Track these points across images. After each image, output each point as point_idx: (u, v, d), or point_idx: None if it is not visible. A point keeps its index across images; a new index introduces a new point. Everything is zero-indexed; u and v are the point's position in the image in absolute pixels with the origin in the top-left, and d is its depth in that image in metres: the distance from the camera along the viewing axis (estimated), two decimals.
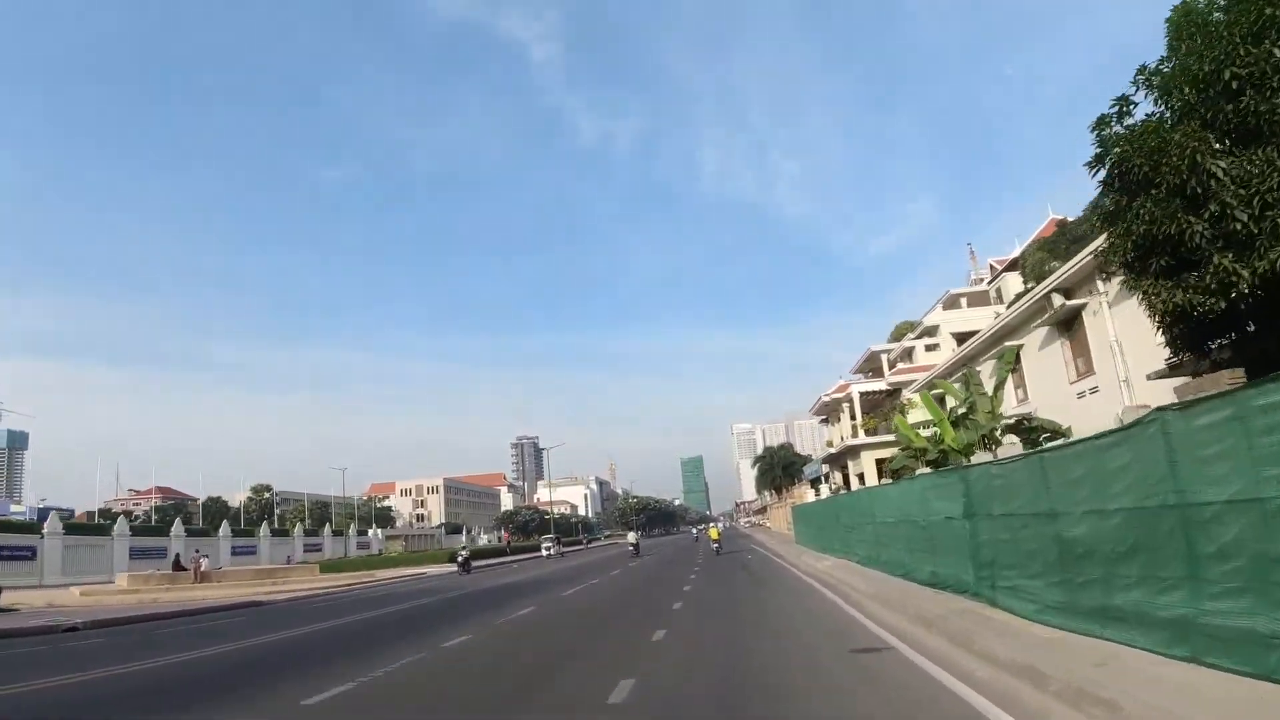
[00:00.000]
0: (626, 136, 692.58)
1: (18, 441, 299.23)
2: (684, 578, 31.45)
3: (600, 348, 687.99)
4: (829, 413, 72.34)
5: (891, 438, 56.58)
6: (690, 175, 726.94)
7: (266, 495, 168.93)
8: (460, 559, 56.73)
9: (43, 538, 51.13)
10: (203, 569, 42.27)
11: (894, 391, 61.56)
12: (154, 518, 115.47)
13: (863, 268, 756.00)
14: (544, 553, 76.44)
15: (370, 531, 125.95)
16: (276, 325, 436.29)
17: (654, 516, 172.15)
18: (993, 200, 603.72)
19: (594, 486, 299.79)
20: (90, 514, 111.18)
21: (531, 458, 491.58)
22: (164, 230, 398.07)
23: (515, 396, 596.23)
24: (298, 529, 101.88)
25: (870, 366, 68.65)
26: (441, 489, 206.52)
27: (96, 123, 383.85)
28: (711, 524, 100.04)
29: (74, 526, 62.86)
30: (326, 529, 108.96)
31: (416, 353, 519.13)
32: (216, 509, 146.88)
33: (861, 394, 62.51)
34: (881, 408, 62.34)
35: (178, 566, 45.41)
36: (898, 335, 68.68)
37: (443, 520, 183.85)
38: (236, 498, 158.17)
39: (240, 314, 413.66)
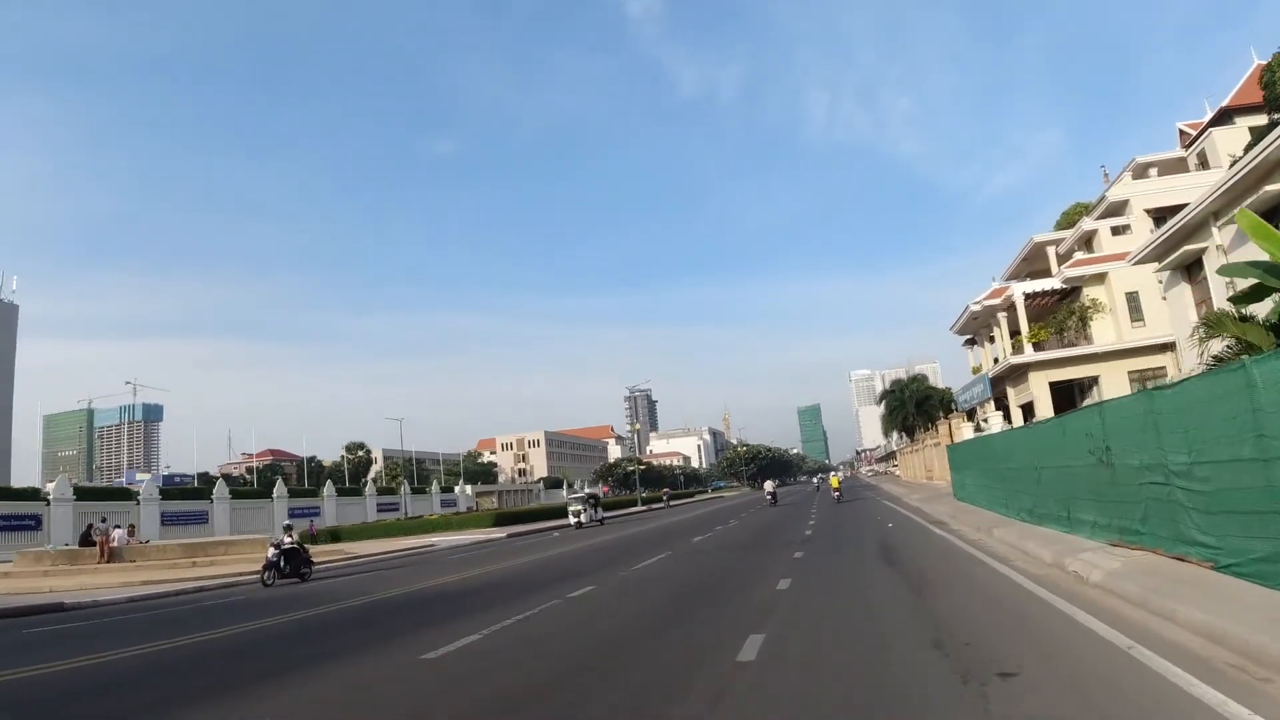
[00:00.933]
0: (730, 86, 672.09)
1: (153, 414, 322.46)
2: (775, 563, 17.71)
3: (713, 301, 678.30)
4: (978, 328, 56.86)
5: (1074, 351, 41.83)
6: (798, 121, 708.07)
7: (360, 454, 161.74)
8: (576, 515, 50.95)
9: (49, 504, 48.35)
10: (113, 543, 31.07)
11: (1068, 292, 46.30)
12: (255, 481, 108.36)
13: (984, 205, 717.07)
14: (571, 520, 51.55)
15: (458, 488, 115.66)
16: (400, 296, 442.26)
17: (767, 466, 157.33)
18: (1120, 128, 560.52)
19: (707, 438, 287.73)
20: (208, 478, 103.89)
21: (645, 410, 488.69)
22: (287, 215, 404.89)
23: (630, 353, 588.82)
24: (369, 488, 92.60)
25: (1032, 266, 52.81)
26: (543, 442, 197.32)
27: (213, 119, 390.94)
28: (832, 473, 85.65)
29: (174, 492, 66.52)
30: (405, 487, 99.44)
31: (533, 315, 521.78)
32: (313, 469, 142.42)
33: (1027, 296, 46.98)
34: (1053, 314, 46.84)
35: (85, 540, 34.17)
36: (1068, 222, 52.49)
37: (545, 474, 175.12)
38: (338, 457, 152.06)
39: (362, 286, 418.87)
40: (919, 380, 77.12)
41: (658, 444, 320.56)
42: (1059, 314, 46.35)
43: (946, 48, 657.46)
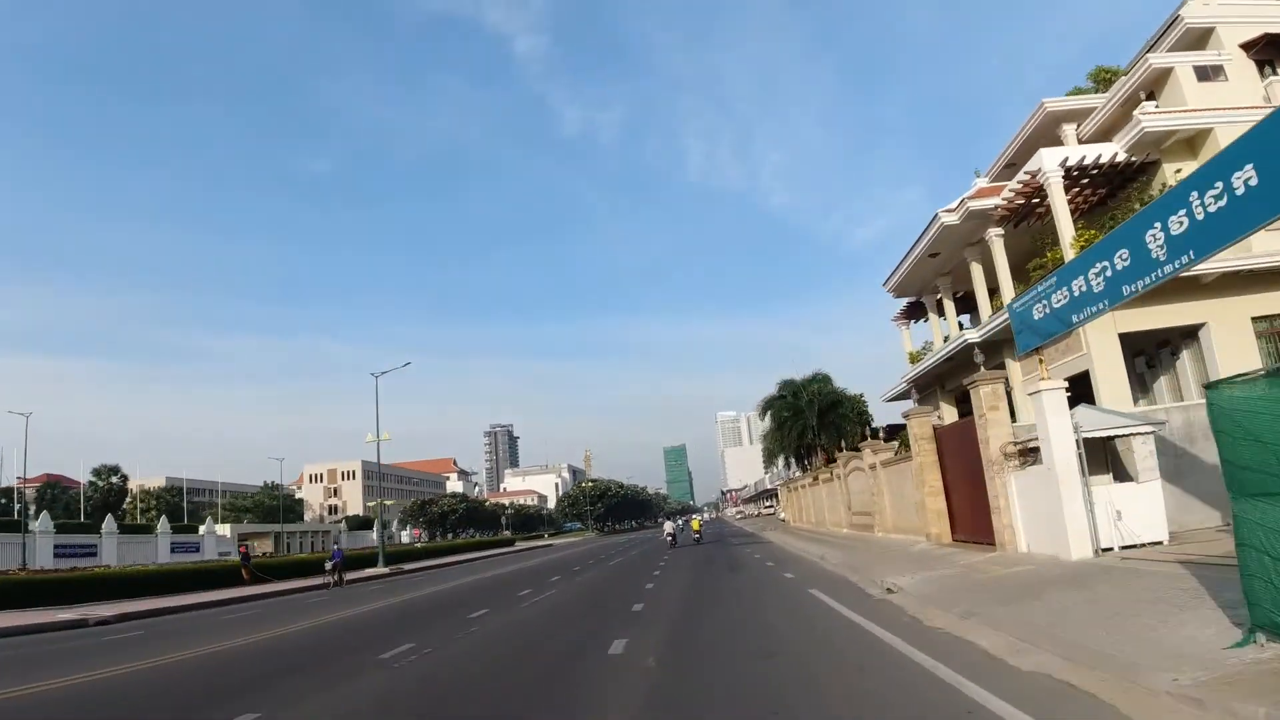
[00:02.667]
0: (610, 126, 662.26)
1: None
2: None
3: (581, 338, 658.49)
4: (933, 276, 34.23)
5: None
6: (675, 164, 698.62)
7: (114, 480, 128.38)
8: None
9: None
10: None
11: (1131, 174, 24.31)
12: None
13: (848, 255, 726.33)
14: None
15: (204, 527, 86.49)
16: (259, 316, 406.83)
17: (619, 505, 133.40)
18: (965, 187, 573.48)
19: (566, 475, 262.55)
20: None
21: (506, 445, 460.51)
22: (148, 226, 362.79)
23: (494, 386, 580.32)
24: (39, 522, 64.01)
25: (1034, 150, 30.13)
26: (359, 474, 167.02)
27: (79, 122, 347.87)
28: (694, 515, 68.99)
29: None
30: (108, 522, 70.63)
31: (397, 342, 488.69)
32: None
33: (1071, 173, 24.34)
34: (1107, 213, 24.64)
35: None
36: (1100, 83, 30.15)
37: (361, 511, 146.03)
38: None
39: (220, 303, 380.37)
40: (821, 381, 54.00)
41: (513, 481, 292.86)
42: (1116, 209, 24.21)
43: (819, 103, 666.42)
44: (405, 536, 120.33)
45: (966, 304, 35.23)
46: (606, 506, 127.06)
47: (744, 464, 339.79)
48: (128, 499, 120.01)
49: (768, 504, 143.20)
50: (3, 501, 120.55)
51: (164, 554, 69.54)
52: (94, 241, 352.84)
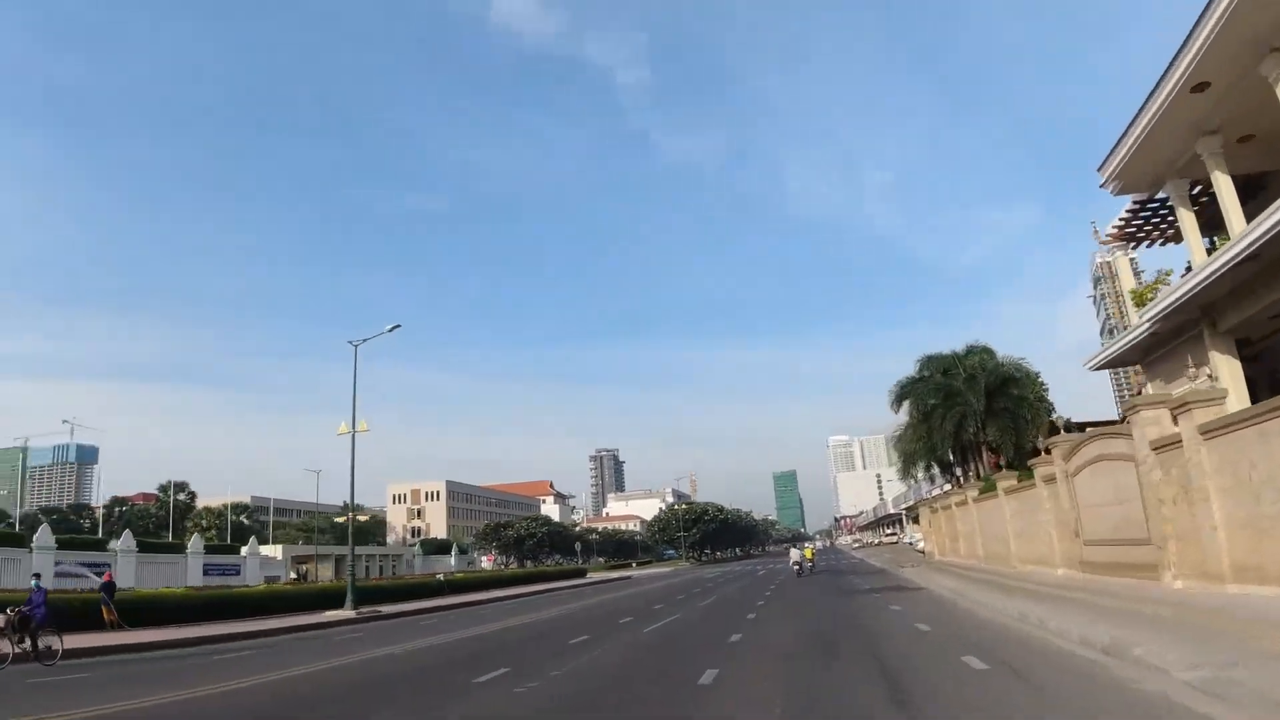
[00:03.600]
0: (711, 154, 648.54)
1: (88, 455, 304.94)
2: None
3: (689, 365, 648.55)
4: (1227, 94, 18.84)
5: None
6: (775, 189, 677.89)
7: (181, 496, 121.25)
8: None
9: None
10: None
11: None
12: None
13: (957, 276, 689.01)
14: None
15: (246, 549, 75.35)
16: (372, 349, 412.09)
17: (718, 531, 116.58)
18: (1090, 200, 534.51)
19: (670, 500, 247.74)
20: None
21: (611, 470, 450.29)
22: (244, 261, 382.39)
23: (600, 415, 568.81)
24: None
25: None
26: (443, 494, 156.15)
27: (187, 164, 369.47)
28: (806, 544, 63.16)
29: None
30: (123, 539, 60.08)
31: (498, 372, 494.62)
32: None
33: None
34: None
35: None
36: None
37: (445, 534, 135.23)
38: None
39: (331, 335, 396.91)
40: (982, 353, 38.16)
41: (615, 505, 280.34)
42: None
43: (924, 122, 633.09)
44: (484, 561, 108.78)
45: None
46: (703, 532, 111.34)
47: (857, 490, 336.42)
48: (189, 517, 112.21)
49: (889, 531, 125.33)
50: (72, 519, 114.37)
51: (195, 576, 59.68)
52: (224, 281, 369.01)
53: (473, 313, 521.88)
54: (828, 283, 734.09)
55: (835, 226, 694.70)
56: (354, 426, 32.76)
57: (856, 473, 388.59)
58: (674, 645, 15.15)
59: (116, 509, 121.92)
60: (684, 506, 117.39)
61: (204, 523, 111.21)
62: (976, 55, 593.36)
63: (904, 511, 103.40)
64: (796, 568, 43.07)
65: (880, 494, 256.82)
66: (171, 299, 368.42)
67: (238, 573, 68.94)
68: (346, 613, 30.68)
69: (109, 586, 26.21)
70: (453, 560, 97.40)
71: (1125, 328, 27.20)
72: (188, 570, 61.70)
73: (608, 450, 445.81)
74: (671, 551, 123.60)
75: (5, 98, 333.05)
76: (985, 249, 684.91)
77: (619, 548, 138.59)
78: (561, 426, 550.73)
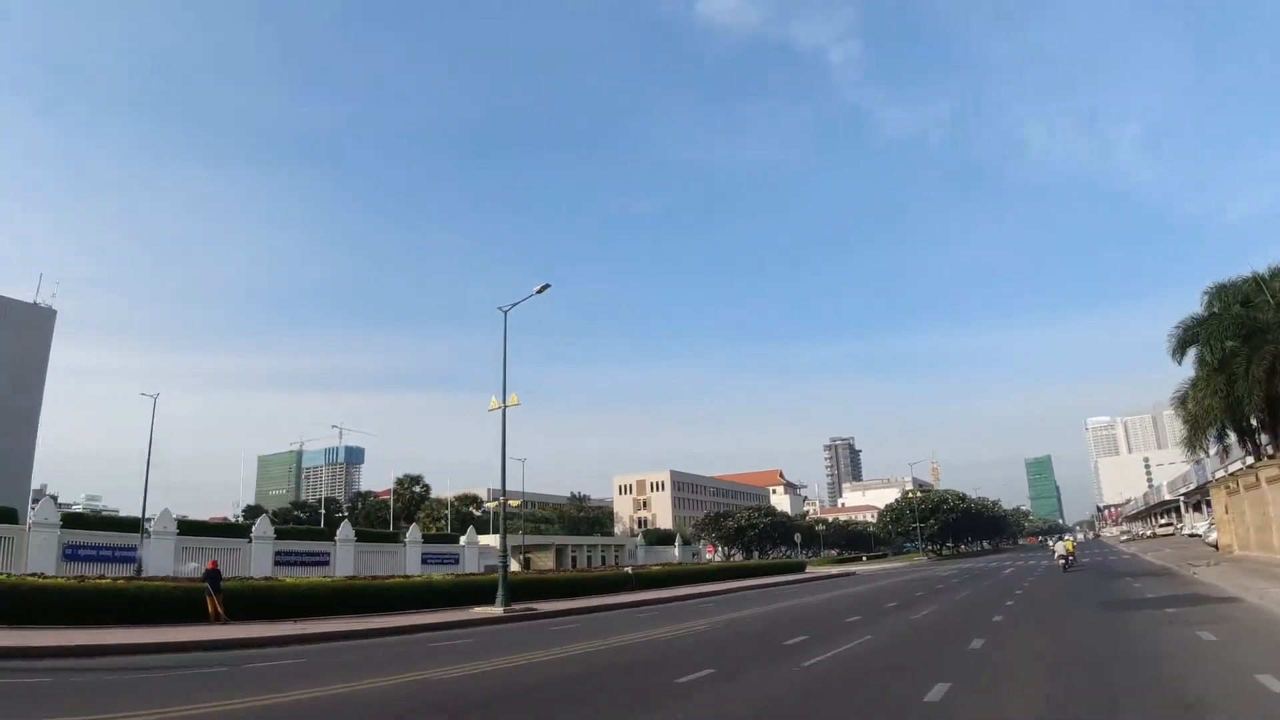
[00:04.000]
0: (936, 123, 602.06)
1: (355, 457, 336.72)
2: None
3: (924, 351, 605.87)
4: None
5: None
6: (1010, 155, 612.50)
7: (417, 489, 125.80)
8: None
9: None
10: None
11: None
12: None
13: (1223, 235, 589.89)
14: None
15: (464, 538, 75.24)
16: (603, 349, 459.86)
17: (959, 522, 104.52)
18: None
19: (910, 489, 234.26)
20: None
21: (847, 460, 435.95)
22: (480, 276, 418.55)
23: (836, 405, 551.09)
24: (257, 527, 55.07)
25: None
26: (668, 485, 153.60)
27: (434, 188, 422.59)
28: (1065, 536, 67.04)
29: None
30: (342, 529, 60.65)
31: (730, 366, 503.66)
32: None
33: None
34: None
35: None
36: None
37: (671, 524, 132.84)
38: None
39: (569, 340, 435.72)
40: None
41: (851, 496, 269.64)
42: None
43: (1172, 66, 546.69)
44: (710, 555, 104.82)
45: None
46: (941, 523, 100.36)
47: (1121, 476, 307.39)
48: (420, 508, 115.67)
49: (1164, 521, 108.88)
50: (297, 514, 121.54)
51: (413, 565, 59.48)
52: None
53: (702, 312, 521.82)
54: (1075, 251, 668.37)
55: (1080, 188, 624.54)
56: (504, 399, 28.65)
57: (1120, 457, 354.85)
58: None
59: (359, 502, 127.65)
60: (917, 494, 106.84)
61: (434, 513, 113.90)
62: None
63: (1182, 497, 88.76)
64: (1063, 561, 41.34)
65: (1149, 479, 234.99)
66: (438, 319, 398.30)
67: (456, 561, 68.51)
68: (494, 610, 26.61)
69: (213, 575, 23.34)
70: (676, 551, 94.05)
71: None
72: (406, 559, 61.69)
73: (842, 439, 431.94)
74: (912, 545, 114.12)
75: (287, 144, 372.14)
76: (1255, 205, 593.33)
77: (851, 540, 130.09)
78: (792, 417, 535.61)
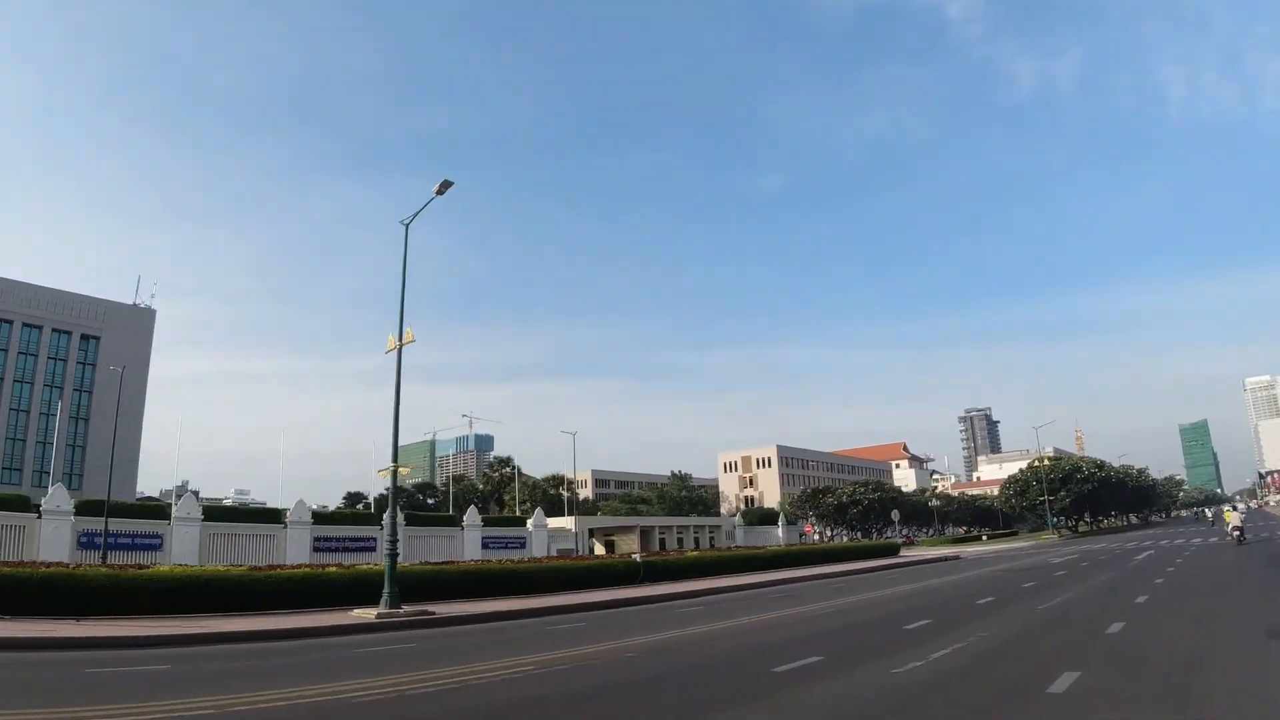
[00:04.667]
0: (1068, 76, 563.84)
1: (485, 444, 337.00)
2: None
3: (1064, 317, 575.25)
4: None
5: None
6: (1153, 102, 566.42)
7: (506, 470, 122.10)
8: None
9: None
10: None
11: None
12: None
13: None
14: None
15: (532, 521, 68.92)
16: (731, 330, 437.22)
17: (1095, 493, 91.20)
18: None
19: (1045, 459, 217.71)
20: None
21: (985, 432, 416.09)
22: (627, 262, 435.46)
23: (972, 376, 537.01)
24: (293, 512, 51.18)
25: None
26: (775, 461, 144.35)
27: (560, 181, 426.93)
28: (1226, 507, 62.80)
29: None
30: (396, 517, 54.83)
31: (862, 341, 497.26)
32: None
33: None
34: None
35: None
36: None
37: (778, 502, 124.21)
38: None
39: (699, 324, 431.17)
40: None
41: (987, 469, 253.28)
42: None
43: None
44: (816, 534, 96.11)
45: None
46: (1074, 495, 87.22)
47: None
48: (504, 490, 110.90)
49: None
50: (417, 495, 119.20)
51: (473, 549, 54.74)
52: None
53: (820, 290, 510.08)
54: (1226, 198, 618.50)
55: (1229, 135, 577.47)
56: (400, 337, 21.19)
57: None
58: None
59: (453, 486, 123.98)
60: (1045, 462, 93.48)
61: (525, 496, 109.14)
62: None
63: None
64: (1238, 533, 40.20)
65: None
66: (554, 309, 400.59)
67: (522, 546, 62.71)
68: (369, 615, 19.02)
69: None
70: (780, 531, 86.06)
71: None
72: (464, 544, 56.52)
73: (979, 410, 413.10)
74: (1047, 521, 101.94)
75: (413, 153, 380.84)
76: None
77: (978, 517, 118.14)
78: (926, 390, 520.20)
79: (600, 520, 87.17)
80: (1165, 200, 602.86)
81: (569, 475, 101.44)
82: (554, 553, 57.80)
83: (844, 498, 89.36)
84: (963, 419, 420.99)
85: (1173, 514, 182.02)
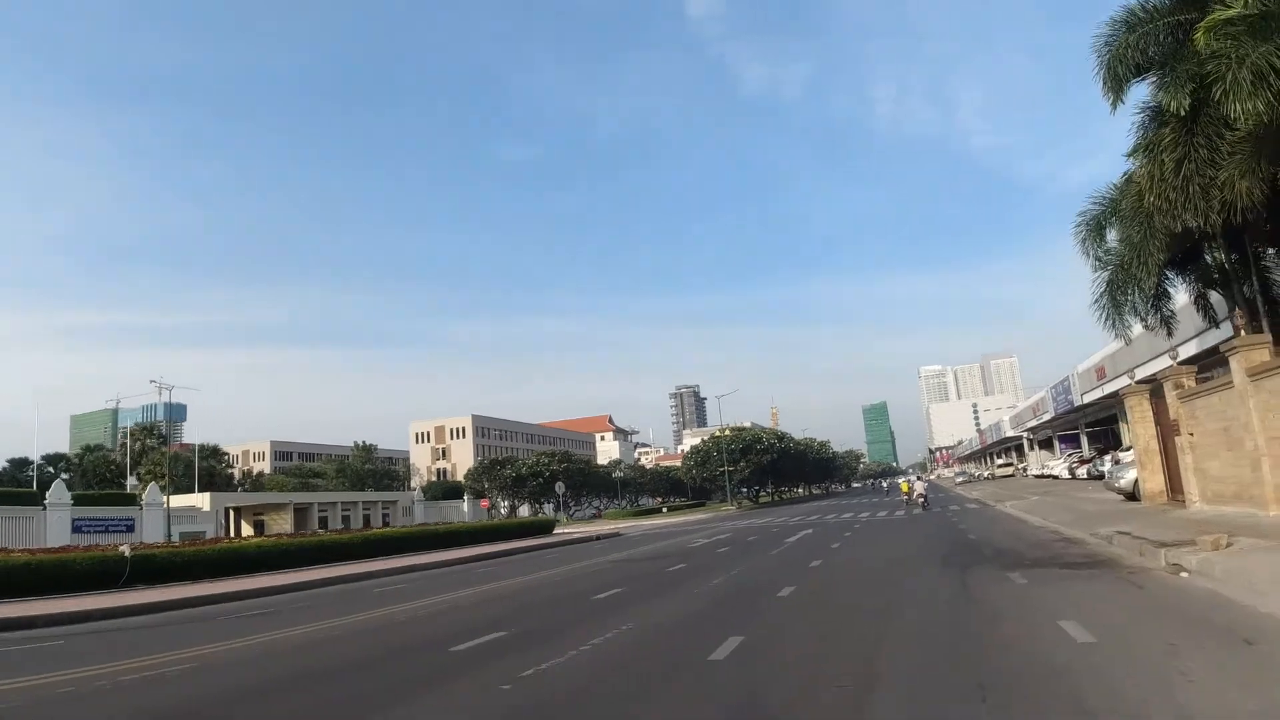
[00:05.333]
0: (795, 82, 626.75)
1: (177, 414, 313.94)
2: None
3: (778, 302, 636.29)
4: None
5: None
6: (866, 116, 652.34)
7: (150, 440, 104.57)
8: None
9: None
10: None
11: None
12: None
13: (1057, 199, 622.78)
14: None
15: (146, 497, 56.07)
16: (475, 300, 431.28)
17: (775, 464, 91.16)
18: None
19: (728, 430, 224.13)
20: None
21: (692, 408, 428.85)
22: (358, 220, 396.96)
23: (686, 356, 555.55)
24: None
25: None
26: (469, 431, 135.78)
27: (295, 127, 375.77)
28: (902, 478, 68.21)
29: None
30: None
31: (601, 318, 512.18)
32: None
33: None
34: None
35: None
36: None
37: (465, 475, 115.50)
38: None
39: (444, 291, 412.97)
40: None
41: (691, 441, 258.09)
42: None
43: (1022, 34, 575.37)
44: (507, 509, 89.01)
45: None
46: (753, 466, 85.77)
47: (952, 421, 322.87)
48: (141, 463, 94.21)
49: (1003, 461, 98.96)
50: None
51: (59, 534, 43.40)
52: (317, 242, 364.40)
53: (563, 262, 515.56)
54: (922, 207, 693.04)
55: (929, 150, 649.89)
56: None
57: (950, 403, 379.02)
58: None
59: (84, 457, 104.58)
60: (726, 432, 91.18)
61: (159, 469, 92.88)
62: None
63: (1027, 434, 78.02)
64: (921, 500, 39.46)
65: (977, 424, 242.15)
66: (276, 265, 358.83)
67: (131, 529, 50.18)
68: None
69: None
70: (465, 506, 78.19)
71: None
72: (47, 527, 43.81)
73: (688, 387, 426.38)
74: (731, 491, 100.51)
75: (111, 79, 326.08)
76: (1098, 166, 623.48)
77: (673, 487, 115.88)
78: (646, 369, 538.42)
79: (245, 497, 74.97)
80: (871, 203, 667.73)
81: (233, 448, 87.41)
82: (176, 538, 46.22)
83: (523, 469, 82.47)
84: (673, 395, 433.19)
85: (854, 485, 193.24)
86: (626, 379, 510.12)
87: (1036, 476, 65.85)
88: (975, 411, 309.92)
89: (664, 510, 79.22)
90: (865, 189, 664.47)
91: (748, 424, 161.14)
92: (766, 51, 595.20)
